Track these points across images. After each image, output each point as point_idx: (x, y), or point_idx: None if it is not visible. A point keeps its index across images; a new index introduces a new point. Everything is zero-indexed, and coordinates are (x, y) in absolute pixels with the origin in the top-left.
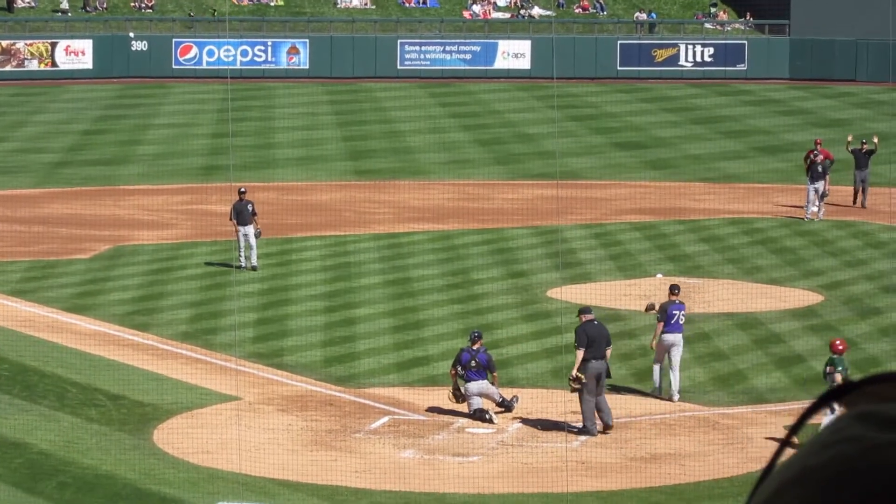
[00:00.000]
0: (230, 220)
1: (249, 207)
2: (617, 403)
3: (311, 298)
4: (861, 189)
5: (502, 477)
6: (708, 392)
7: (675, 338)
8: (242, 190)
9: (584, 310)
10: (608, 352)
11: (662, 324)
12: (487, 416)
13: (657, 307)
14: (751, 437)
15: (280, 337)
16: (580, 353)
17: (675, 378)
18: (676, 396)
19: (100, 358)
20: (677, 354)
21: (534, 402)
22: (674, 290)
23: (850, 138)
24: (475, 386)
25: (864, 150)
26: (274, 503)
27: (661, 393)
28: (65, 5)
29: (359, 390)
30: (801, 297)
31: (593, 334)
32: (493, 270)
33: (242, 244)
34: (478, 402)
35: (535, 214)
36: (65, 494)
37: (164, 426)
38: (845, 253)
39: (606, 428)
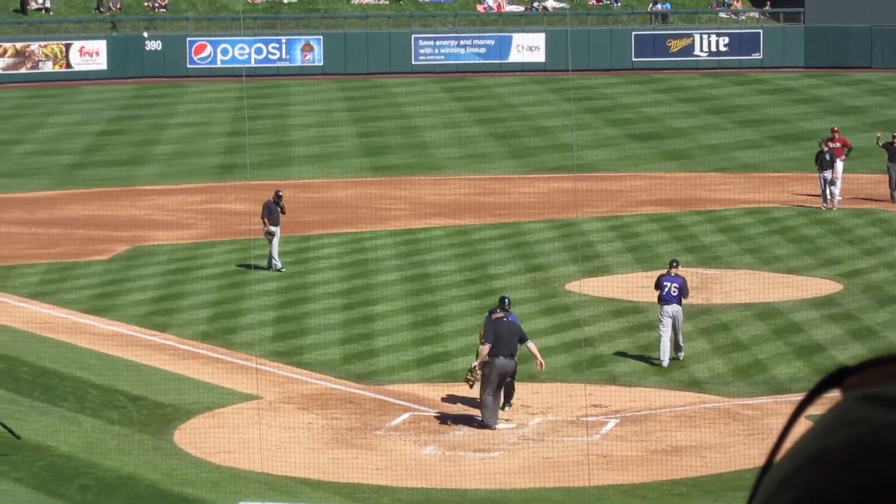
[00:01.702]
0: (262, 218)
1: (279, 208)
2: (638, 396)
3: (329, 296)
4: None
5: (524, 472)
6: (728, 383)
7: (671, 308)
8: (280, 193)
9: (500, 303)
10: (531, 345)
11: (658, 297)
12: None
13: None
14: (772, 428)
15: (299, 335)
16: (484, 349)
17: (679, 341)
18: (681, 355)
19: (120, 359)
20: (678, 323)
21: (554, 396)
22: (672, 263)
23: (878, 135)
24: None
25: (895, 143)
26: (296, 502)
27: (665, 363)
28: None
29: (379, 387)
30: (820, 285)
31: (502, 331)
32: (510, 265)
33: (276, 244)
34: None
35: (551, 208)
36: (87, 497)
37: (185, 426)
38: (864, 241)
39: (508, 406)
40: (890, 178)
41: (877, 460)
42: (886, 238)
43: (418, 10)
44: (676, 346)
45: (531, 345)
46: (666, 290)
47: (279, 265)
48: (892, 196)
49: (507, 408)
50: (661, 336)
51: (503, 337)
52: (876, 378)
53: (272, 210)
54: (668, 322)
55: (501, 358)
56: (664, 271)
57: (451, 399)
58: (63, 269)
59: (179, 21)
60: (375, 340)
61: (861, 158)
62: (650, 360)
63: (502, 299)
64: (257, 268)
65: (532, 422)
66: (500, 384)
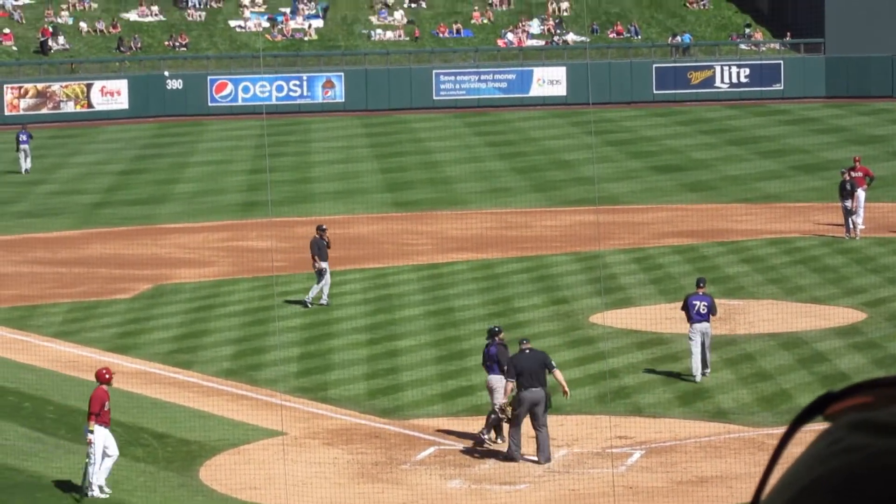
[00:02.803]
0: (312, 255)
1: (325, 243)
2: (663, 427)
3: (353, 331)
4: None
5: None
6: (754, 413)
7: (702, 326)
8: (323, 227)
9: (521, 341)
10: (557, 374)
11: (685, 314)
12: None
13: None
14: (790, 456)
15: (323, 371)
16: (509, 385)
17: (707, 358)
18: (707, 371)
19: (144, 397)
20: (707, 340)
21: (579, 428)
22: (699, 283)
23: None
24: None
25: None
26: None
27: (697, 379)
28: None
29: (404, 422)
30: (843, 315)
31: (524, 364)
32: (534, 298)
33: (327, 280)
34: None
35: (575, 241)
36: None
37: (210, 463)
38: (887, 269)
39: (545, 461)
40: None
41: (874, 486)
42: None
43: (439, 45)
44: (703, 363)
45: (558, 373)
46: (695, 308)
47: (327, 301)
48: None
49: (499, 440)
50: (692, 353)
51: (525, 369)
52: (861, 404)
53: (320, 246)
54: (698, 339)
55: (528, 390)
56: (692, 292)
57: (477, 433)
58: (86, 308)
59: (200, 59)
60: (400, 375)
61: (883, 188)
62: (682, 377)
63: (491, 329)
64: (305, 303)
65: (558, 454)
66: (526, 414)
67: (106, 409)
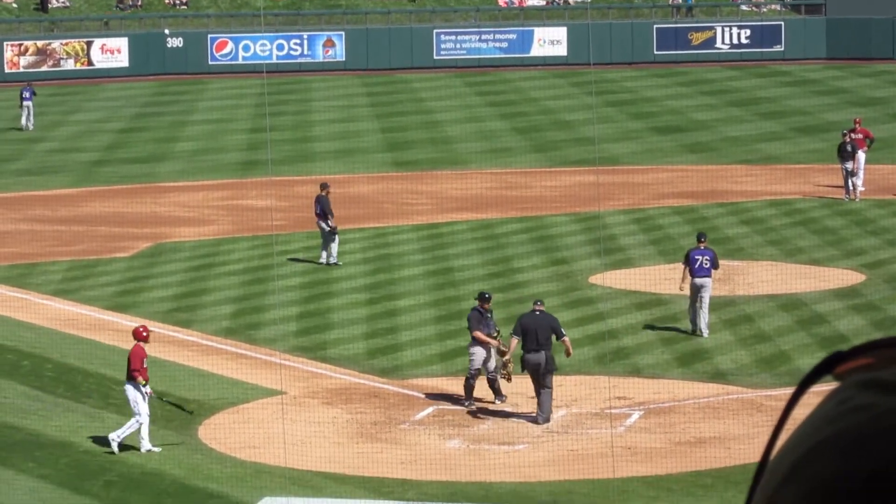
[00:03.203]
0: (329, 214)
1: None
2: (662, 387)
3: (352, 291)
4: None
5: (549, 465)
6: (752, 374)
7: (703, 281)
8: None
9: (535, 301)
10: (566, 340)
11: (687, 269)
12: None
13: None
14: (796, 419)
15: (323, 330)
16: (513, 342)
17: (704, 316)
18: (706, 332)
19: None
20: (706, 295)
21: (578, 388)
22: (700, 237)
23: None
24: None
25: None
26: (320, 497)
27: (695, 330)
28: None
29: (403, 381)
30: (843, 276)
31: (529, 324)
32: (534, 258)
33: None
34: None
35: (574, 201)
36: (111, 493)
37: (209, 422)
38: (887, 231)
39: (543, 421)
40: None
41: (884, 445)
42: None
43: (440, 4)
44: (700, 320)
45: (567, 340)
46: (698, 263)
47: (335, 259)
48: None
49: (498, 400)
50: (692, 307)
51: (530, 330)
52: (871, 363)
53: (325, 204)
54: (696, 295)
55: (529, 352)
56: (693, 247)
57: (476, 392)
58: (86, 267)
59: (201, 18)
60: (399, 335)
61: (883, 149)
62: (682, 331)
63: (479, 294)
64: (330, 264)
65: (556, 414)
66: (532, 376)
67: (144, 366)
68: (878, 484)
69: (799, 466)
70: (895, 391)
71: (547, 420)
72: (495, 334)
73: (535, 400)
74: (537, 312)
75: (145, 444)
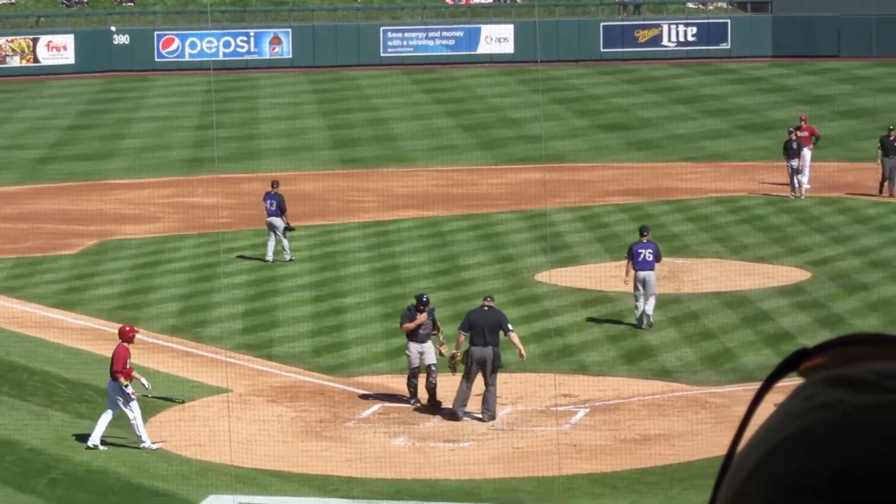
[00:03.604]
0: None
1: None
2: (607, 385)
3: (298, 288)
4: (890, 177)
5: (494, 462)
6: (697, 371)
7: (646, 274)
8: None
9: (485, 297)
10: (513, 336)
11: (630, 262)
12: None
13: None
14: (741, 416)
15: (269, 328)
16: (461, 338)
17: (649, 309)
18: (651, 324)
19: (89, 353)
20: (650, 287)
21: (524, 386)
22: (643, 231)
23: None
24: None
25: (892, 137)
26: (266, 494)
27: (641, 322)
28: None
29: (349, 379)
30: (788, 274)
31: (478, 320)
32: (480, 256)
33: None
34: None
35: (521, 199)
36: (57, 491)
37: (154, 420)
38: (832, 229)
39: (489, 419)
40: (883, 171)
41: (850, 443)
42: (854, 226)
43: (387, 2)
44: (646, 314)
45: (514, 336)
46: (641, 256)
47: (276, 258)
48: (881, 189)
49: (413, 402)
50: (637, 301)
51: (478, 325)
52: (836, 360)
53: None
54: (641, 287)
55: (477, 347)
56: (636, 240)
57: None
58: (31, 264)
59: (147, 15)
60: (345, 332)
61: (829, 147)
62: (625, 324)
63: (419, 297)
64: (286, 260)
65: (502, 412)
66: (477, 373)
67: (128, 366)
68: (843, 481)
69: (764, 463)
70: (861, 388)
71: (493, 417)
72: (434, 334)
73: (481, 397)
74: (486, 308)
75: (146, 442)
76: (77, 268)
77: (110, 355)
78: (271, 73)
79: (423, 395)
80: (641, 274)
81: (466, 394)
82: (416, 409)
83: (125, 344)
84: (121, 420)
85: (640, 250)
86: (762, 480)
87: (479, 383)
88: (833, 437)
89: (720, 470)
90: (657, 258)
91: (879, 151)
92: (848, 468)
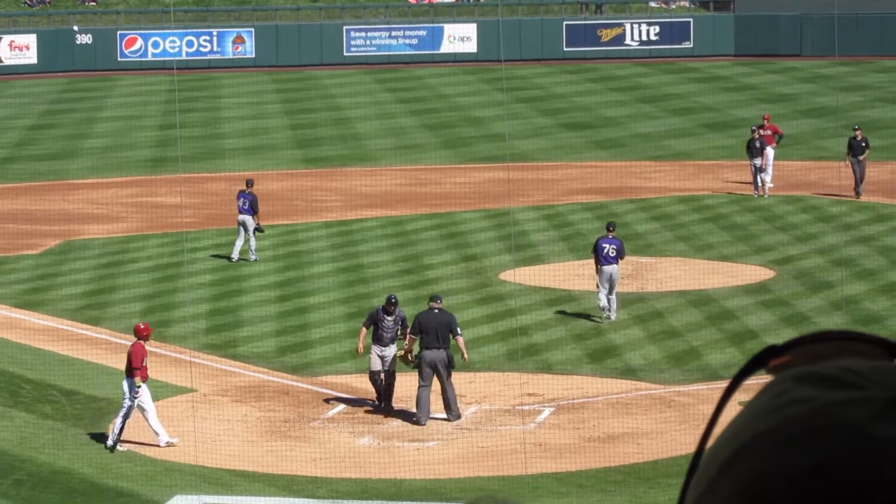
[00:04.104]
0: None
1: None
2: (573, 384)
3: (263, 288)
4: (860, 177)
5: (460, 461)
6: (662, 370)
7: (610, 268)
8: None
9: (432, 297)
10: (460, 340)
11: (595, 257)
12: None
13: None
14: (706, 415)
15: (233, 328)
16: (411, 340)
17: (612, 302)
18: (613, 316)
19: (52, 353)
20: (615, 281)
21: (489, 385)
22: (609, 227)
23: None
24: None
25: (858, 138)
26: (232, 494)
27: (604, 314)
28: None
29: (314, 379)
30: (752, 272)
31: (426, 321)
32: (444, 255)
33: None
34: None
35: (485, 198)
36: (21, 491)
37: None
38: (795, 228)
39: (454, 419)
40: (854, 173)
41: (823, 438)
42: (817, 225)
43: (350, 1)
44: (610, 307)
45: (461, 340)
46: (605, 251)
47: (243, 257)
48: (856, 193)
49: (451, 417)
50: (599, 294)
51: (430, 328)
52: (804, 357)
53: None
54: (606, 283)
55: (430, 350)
56: (602, 235)
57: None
58: None
59: (110, 14)
60: (310, 332)
61: (792, 146)
62: (593, 319)
63: (389, 298)
64: (251, 260)
65: (467, 411)
66: (432, 375)
67: (144, 364)
68: (818, 476)
69: (734, 459)
70: (832, 385)
71: (458, 416)
72: (399, 338)
73: (442, 399)
74: (436, 311)
75: (163, 437)
76: (40, 268)
77: (74, 356)
78: (234, 73)
79: (375, 394)
80: (606, 268)
81: (427, 399)
82: (381, 410)
83: (141, 342)
84: (85, 420)
85: (604, 245)
86: (733, 476)
87: (437, 384)
88: (803, 434)
89: (689, 468)
90: (621, 254)
91: (847, 153)
92: (823, 464)
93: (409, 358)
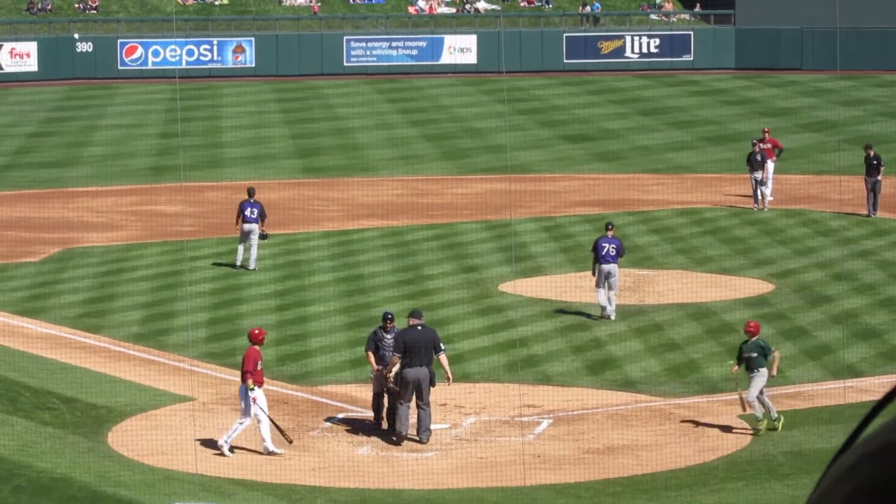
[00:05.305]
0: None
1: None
2: (572, 395)
3: (263, 297)
4: (874, 192)
5: (458, 472)
6: (662, 383)
7: (609, 267)
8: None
9: (412, 313)
10: (443, 358)
11: (594, 256)
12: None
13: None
14: (705, 427)
15: (233, 336)
16: (394, 359)
17: (611, 301)
18: (613, 316)
19: (52, 361)
20: (614, 280)
21: (488, 396)
22: (608, 226)
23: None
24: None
25: (871, 155)
26: (231, 503)
27: (603, 314)
28: None
29: (313, 388)
30: (752, 286)
31: (411, 340)
32: (444, 265)
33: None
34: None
35: (485, 209)
36: (20, 499)
37: (118, 428)
38: (795, 241)
39: (426, 440)
40: (867, 191)
41: None
42: (817, 238)
43: (350, 11)
44: (609, 304)
45: (443, 357)
46: (604, 251)
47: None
48: (871, 210)
49: (424, 438)
50: (599, 293)
51: (413, 346)
52: None
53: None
54: (604, 281)
55: (412, 368)
56: (601, 234)
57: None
58: None
59: (110, 22)
60: (310, 341)
61: (792, 159)
62: (592, 316)
63: (385, 315)
64: (250, 269)
65: (466, 422)
66: (413, 393)
67: (259, 368)
68: None
69: (860, 464)
70: None
71: (429, 436)
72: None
73: (417, 418)
74: (419, 328)
75: (269, 446)
76: (40, 275)
77: (74, 363)
78: (235, 82)
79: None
80: (605, 267)
81: (406, 413)
82: (380, 420)
83: (256, 347)
84: (84, 428)
85: (603, 244)
86: (852, 481)
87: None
88: None
89: (825, 469)
90: (620, 253)
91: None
92: None
93: (391, 378)
